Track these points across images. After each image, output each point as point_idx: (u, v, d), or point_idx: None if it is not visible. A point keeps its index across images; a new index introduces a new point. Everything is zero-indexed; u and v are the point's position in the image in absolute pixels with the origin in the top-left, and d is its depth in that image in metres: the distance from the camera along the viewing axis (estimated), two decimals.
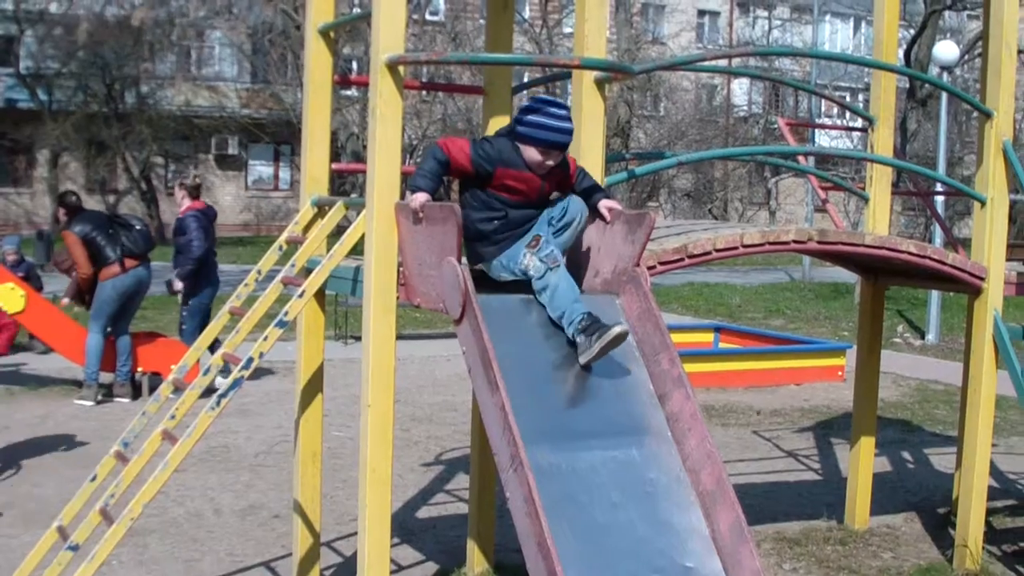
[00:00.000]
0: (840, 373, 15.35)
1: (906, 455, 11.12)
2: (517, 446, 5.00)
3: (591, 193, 5.65)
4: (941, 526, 8.59)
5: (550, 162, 5.45)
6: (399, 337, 5.75)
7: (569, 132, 5.47)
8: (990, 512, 8.15)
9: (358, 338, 16.76)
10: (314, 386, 6.61)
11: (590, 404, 5.51)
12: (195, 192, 13.56)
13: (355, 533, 5.95)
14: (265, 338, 5.68)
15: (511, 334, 5.47)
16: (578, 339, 5.24)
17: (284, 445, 10.48)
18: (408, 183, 5.51)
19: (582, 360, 5.23)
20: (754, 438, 11.76)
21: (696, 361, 14.61)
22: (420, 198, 5.32)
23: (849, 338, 18.08)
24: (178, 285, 13.30)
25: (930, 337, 19.63)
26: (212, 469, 9.75)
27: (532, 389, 5.36)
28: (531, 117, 5.40)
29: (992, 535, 8.21)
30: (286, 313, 5.71)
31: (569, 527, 5.07)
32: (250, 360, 5.67)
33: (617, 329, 5.16)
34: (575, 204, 5.55)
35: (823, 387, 14.94)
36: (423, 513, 8.65)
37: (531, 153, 5.41)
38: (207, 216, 13.40)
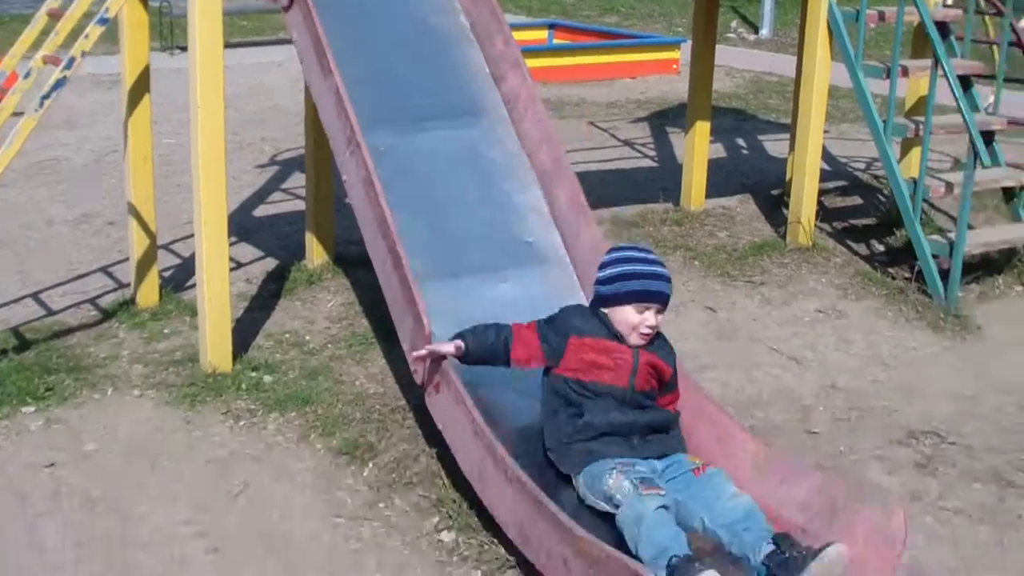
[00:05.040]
0: (675, 66, 15.39)
1: (741, 142, 11.29)
2: (353, 129, 4.91)
3: None
4: (775, 206, 8.78)
5: (650, 322, 4.33)
6: (226, 46, 5.53)
7: (667, 278, 4.39)
8: (822, 192, 8.34)
9: (184, 48, 16.26)
10: (140, 89, 6.36)
11: (427, 87, 5.43)
12: None
13: (192, 235, 5.86)
14: (86, 36, 5.44)
15: (345, 17, 5.32)
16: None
17: (114, 155, 10.21)
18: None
19: None
20: (590, 128, 11.79)
21: (530, 57, 14.43)
22: (447, 346, 4.49)
23: (684, 33, 18.09)
24: None
25: (764, 32, 19.72)
26: (41, 183, 9.47)
27: (369, 73, 5.25)
28: (612, 271, 4.39)
29: (824, 213, 8.43)
30: (107, 10, 5.46)
31: (410, 208, 5.06)
32: (72, 60, 5.44)
33: None
34: (719, 477, 4.16)
35: (658, 80, 14.98)
36: (260, 212, 8.57)
37: (625, 314, 4.32)
38: None
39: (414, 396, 5.27)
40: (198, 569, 4.31)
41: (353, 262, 7.03)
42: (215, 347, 5.72)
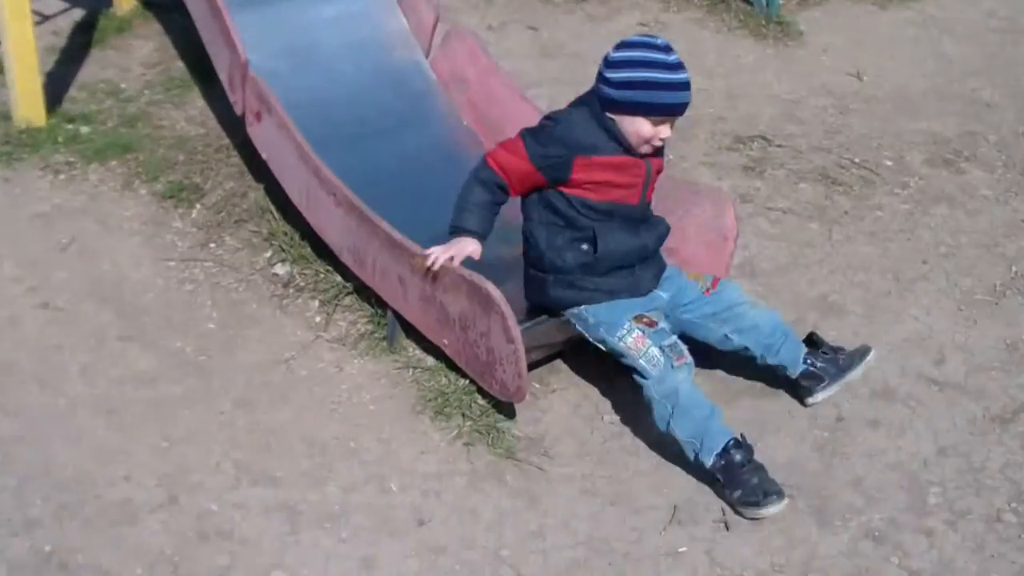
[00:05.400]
0: None
1: None
2: None
3: None
4: None
5: (664, 135, 3.71)
6: None
7: (689, 84, 3.67)
8: None
9: None
10: None
11: None
12: None
13: None
14: None
15: None
16: (720, 476, 3.58)
17: None
18: (450, 223, 3.82)
19: (747, 513, 3.52)
20: None
21: None
22: (461, 248, 3.75)
23: None
24: None
25: None
26: None
27: None
28: (627, 74, 3.62)
29: None
30: None
31: None
32: None
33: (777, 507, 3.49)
34: (732, 292, 3.96)
35: None
36: None
37: (637, 126, 3.65)
38: None
39: (238, 135, 5.16)
40: (31, 326, 4.23)
41: (164, 6, 6.75)
42: (26, 102, 5.49)
